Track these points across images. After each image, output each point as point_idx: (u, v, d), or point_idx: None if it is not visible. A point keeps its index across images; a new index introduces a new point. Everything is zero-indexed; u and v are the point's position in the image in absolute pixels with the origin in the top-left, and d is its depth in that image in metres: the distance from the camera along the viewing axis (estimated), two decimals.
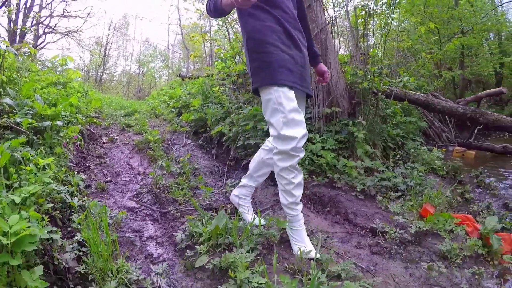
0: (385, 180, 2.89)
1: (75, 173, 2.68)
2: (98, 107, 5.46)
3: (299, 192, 1.88)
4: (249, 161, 2.96)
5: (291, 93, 1.78)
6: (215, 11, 1.82)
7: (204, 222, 2.03)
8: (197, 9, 4.56)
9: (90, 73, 19.53)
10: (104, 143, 4.03)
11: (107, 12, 40.48)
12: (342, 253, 1.98)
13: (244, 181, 2.27)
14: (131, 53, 24.68)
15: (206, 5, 1.87)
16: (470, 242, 2.11)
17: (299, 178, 1.86)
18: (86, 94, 5.96)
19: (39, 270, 1.34)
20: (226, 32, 4.59)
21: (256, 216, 2.08)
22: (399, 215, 2.47)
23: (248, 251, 1.75)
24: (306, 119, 3.14)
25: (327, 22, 3.34)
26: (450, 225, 2.33)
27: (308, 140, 3.02)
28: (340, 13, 5.18)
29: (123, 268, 1.59)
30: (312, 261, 1.74)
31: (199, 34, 4.69)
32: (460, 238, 2.21)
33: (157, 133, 4.08)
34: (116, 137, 4.30)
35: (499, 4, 12.71)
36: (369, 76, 3.27)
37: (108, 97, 8.91)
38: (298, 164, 1.83)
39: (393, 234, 2.21)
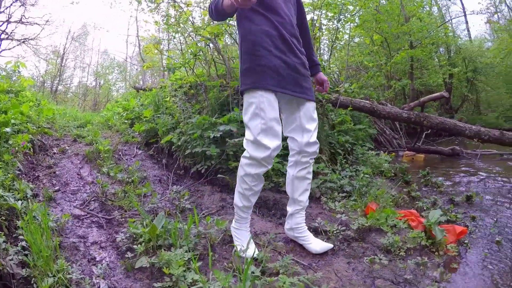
0: (330, 182, 3.02)
1: (23, 181, 2.61)
2: (50, 118, 5.29)
3: (255, 199, 1.94)
4: (197, 169, 3.02)
5: (276, 102, 1.80)
6: (217, 13, 1.84)
7: (145, 224, 2.05)
8: (156, 22, 4.58)
9: (45, 84, 18.73)
10: (54, 153, 3.94)
11: (66, 21, 39.09)
12: (284, 252, 2.02)
13: (290, 209, 2.10)
14: (88, 64, 24.00)
15: (209, 7, 1.90)
16: (412, 234, 2.23)
17: (260, 186, 1.90)
18: (38, 104, 5.75)
19: None
20: (179, 44, 4.65)
21: (319, 242, 2.05)
22: (342, 214, 2.58)
23: (186, 251, 1.77)
24: None
25: None
26: (393, 220, 2.45)
27: None
28: None
29: (62, 268, 1.59)
30: (248, 258, 1.74)
31: (152, 45, 4.70)
32: (403, 231, 2.33)
33: (108, 143, 4.03)
34: (67, 148, 4.21)
35: (447, 20, 13.84)
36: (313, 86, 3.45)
37: (63, 108, 8.62)
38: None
39: (335, 232, 2.29)
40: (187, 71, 4.22)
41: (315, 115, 1.99)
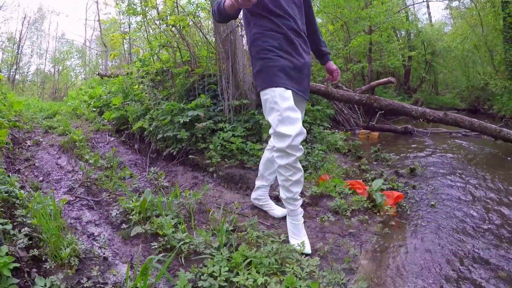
0: None
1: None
2: (19, 111, 5.34)
3: (297, 189, 1.96)
4: (169, 152, 3.35)
5: (288, 93, 1.87)
6: (219, 14, 1.88)
7: (134, 200, 2.36)
8: (117, 4, 4.62)
9: (1, 73, 17.77)
10: (29, 146, 4.05)
11: (21, 5, 36.62)
12: (250, 216, 2.44)
13: (257, 183, 2.45)
14: (46, 50, 22.96)
15: (212, 9, 1.95)
16: (355, 198, 2.69)
17: (297, 176, 1.92)
18: (5, 97, 5.73)
19: (4, 248, 1.49)
20: (145, 32, 4.83)
21: (280, 208, 2.42)
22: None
23: (172, 218, 2.12)
24: (218, 111, 3.66)
25: (237, 24, 3.82)
26: (341, 188, 2.91)
27: (219, 129, 3.46)
28: None
29: (72, 241, 1.81)
30: (224, 219, 2.01)
31: (119, 34, 4.85)
32: (349, 197, 2.79)
33: (80, 132, 4.21)
34: (41, 140, 4.32)
35: (406, 6, 14.52)
36: None
37: (25, 99, 8.47)
38: (300, 161, 1.93)
39: None
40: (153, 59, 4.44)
41: (303, 113, 2.19)
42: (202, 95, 3.49)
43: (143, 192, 2.59)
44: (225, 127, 3.44)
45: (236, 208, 2.53)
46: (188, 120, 3.22)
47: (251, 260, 1.68)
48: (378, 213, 2.66)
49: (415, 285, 1.79)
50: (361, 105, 5.56)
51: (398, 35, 14.65)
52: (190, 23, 4.03)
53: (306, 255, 1.89)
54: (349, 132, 5.38)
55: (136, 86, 4.16)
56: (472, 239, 2.38)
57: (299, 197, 2.01)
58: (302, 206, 2.62)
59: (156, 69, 3.88)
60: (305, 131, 1.85)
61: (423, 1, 15.97)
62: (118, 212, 2.30)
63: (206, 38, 3.94)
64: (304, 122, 4.26)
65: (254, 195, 2.51)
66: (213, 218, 2.21)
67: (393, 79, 5.75)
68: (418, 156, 4.99)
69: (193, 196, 2.38)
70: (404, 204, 2.91)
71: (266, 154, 2.32)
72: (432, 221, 2.64)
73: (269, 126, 1.92)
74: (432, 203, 3.05)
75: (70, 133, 4.20)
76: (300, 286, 1.57)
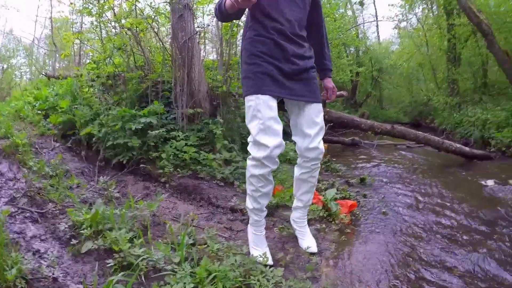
0: (242, 169, 3.41)
1: None
2: None
3: (264, 201, 1.93)
4: (119, 160, 3.15)
5: (273, 102, 1.79)
6: (221, 14, 1.82)
7: (83, 213, 2.13)
8: (71, 3, 4.36)
9: None
10: None
11: None
12: (207, 228, 2.30)
13: (294, 203, 2.23)
14: None
15: (214, 9, 1.89)
16: (311, 207, 2.67)
17: (268, 188, 1.87)
18: None
19: None
20: (99, 33, 4.57)
21: (308, 238, 2.16)
22: None
23: (126, 232, 1.94)
24: (170, 120, 3.53)
25: (196, 31, 3.72)
26: (291, 197, 2.88)
27: (172, 138, 3.33)
28: (212, 22, 5.68)
29: (18, 260, 1.61)
30: (184, 233, 1.92)
31: (72, 34, 4.53)
32: None
33: (24, 136, 3.84)
34: None
35: (357, 24, 15.25)
36: (228, 81, 3.78)
37: None
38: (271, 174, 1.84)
39: None
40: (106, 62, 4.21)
41: (319, 119, 1.93)
42: (156, 102, 3.34)
43: (93, 204, 2.39)
44: (178, 135, 3.32)
45: (193, 220, 2.43)
46: (140, 127, 3.06)
47: (215, 274, 1.61)
48: (333, 222, 2.71)
49: None
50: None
51: (348, 52, 15.32)
52: (148, 27, 3.88)
53: (269, 266, 1.85)
54: None
55: (86, 90, 3.89)
56: (423, 242, 2.52)
57: (265, 209, 1.97)
58: None
59: (108, 72, 3.66)
60: (284, 144, 1.78)
61: (374, 21, 16.94)
62: (66, 226, 2.06)
63: (162, 43, 3.79)
64: None
65: (292, 215, 2.29)
66: (171, 231, 2.08)
67: (345, 93, 5.96)
68: (366, 167, 5.20)
69: (147, 208, 2.22)
70: (358, 212, 3.01)
71: (295, 172, 2.12)
72: (385, 227, 2.76)
73: (247, 134, 1.85)
74: (384, 210, 3.20)
75: (12, 137, 3.82)
76: None
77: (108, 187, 2.67)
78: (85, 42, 5.18)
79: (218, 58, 4.23)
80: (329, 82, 2.12)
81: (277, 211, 2.81)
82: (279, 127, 1.76)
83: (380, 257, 2.20)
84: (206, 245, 1.95)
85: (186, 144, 3.31)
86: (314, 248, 2.10)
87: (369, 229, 2.73)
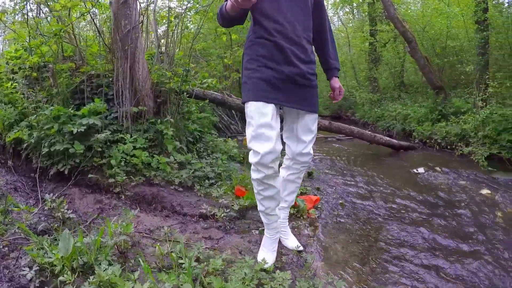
0: (197, 171, 3.18)
1: None
2: None
3: (269, 204, 1.91)
4: (58, 170, 2.64)
5: (267, 108, 1.74)
6: (222, 17, 1.77)
7: (47, 249, 1.63)
8: None
9: None
10: None
11: None
12: (185, 241, 2.06)
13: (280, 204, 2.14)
14: None
15: (216, 16, 1.83)
16: None
17: (269, 192, 1.85)
18: None
19: None
20: (24, 16, 3.76)
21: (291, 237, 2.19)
22: (221, 198, 2.82)
23: (109, 264, 1.58)
24: (111, 119, 3.09)
25: (140, 21, 3.31)
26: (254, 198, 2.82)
27: (118, 141, 2.92)
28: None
29: None
30: (191, 255, 1.76)
31: None
32: None
33: None
34: None
35: None
36: (175, 77, 3.46)
37: None
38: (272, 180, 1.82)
39: (222, 215, 2.51)
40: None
41: (314, 127, 1.95)
42: (97, 100, 2.86)
43: (49, 233, 1.90)
44: (125, 138, 2.92)
45: (166, 235, 2.13)
46: (82, 130, 2.58)
47: None
48: (302, 217, 2.77)
49: (362, 272, 2.14)
50: None
51: None
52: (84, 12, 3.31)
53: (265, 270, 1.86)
54: (235, 139, 5.38)
55: (8, 84, 3.15)
56: (382, 226, 2.89)
57: (273, 213, 1.96)
58: (232, 220, 2.52)
59: (33, 63, 3.02)
60: (278, 149, 1.73)
61: None
62: (33, 273, 1.52)
63: (99, 32, 3.27)
64: (194, 130, 4.00)
65: None
66: (161, 253, 1.79)
67: None
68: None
69: (124, 230, 1.85)
70: (319, 206, 3.14)
71: (282, 174, 2.10)
72: (347, 217, 3.03)
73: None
74: (340, 201, 3.42)
75: None
76: None
77: (58, 206, 2.12)
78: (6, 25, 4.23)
79: (156, 50, 3.84)
80: (336, 82, 2.05)
81: (247, 213, 2.71)
82: (272, 133, 1.72)
83: (353, 244, 2.49)
84: (205, 263, 1.71)
85: (134, 148, 2.93)
86: (300, 246, 2.17)
87: (334, 220, 2.94)
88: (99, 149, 2.69)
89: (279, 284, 1.64)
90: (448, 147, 5.95)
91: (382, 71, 11.14)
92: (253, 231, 2.40)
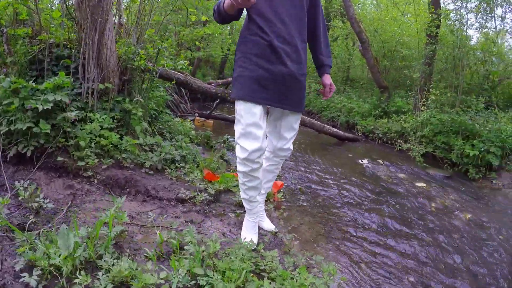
0: (170, 154, 3.13)
1: None
2: None
3: (252, 194, 2.04)
4: (18, 151, 2.38)
5: (257, 108, 1.81)
6: (219, 15, 1.78)
7: (42, 248, 1.46)
8: None
9: None
10: None
11: None
12: (169, 227, 2.07)
13: None
14: None
15: (213, 12, 1.84)
16: None
17: (254, 183, 1.98)
18: None
19: None
20: None
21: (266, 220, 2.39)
22: (195, 182, 2.88)
23: (116, 258, 1.53)
24: (75, 95, 2.88)
25: None
26: (235, 182, 2.98)
27: (83, 119, 2.75)
28: None
29: None
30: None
31: None
32: None
33: None
34: None
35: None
36: (143, 54, 3.30)
37: None
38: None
39: (199, 198, 2.58)
40: None
41: (296, 125, 2.05)
42: (61, 73, 2.60)
43: (29, 229, 1.68)
44: (94, 117, 2.77)
45: (151, 222, 2.12)
46: (49, 108, 2.37)
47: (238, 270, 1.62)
48: (270, 201, 3.00)
49: (329, 249, 2.48)
50: (216, 97, 5.60)
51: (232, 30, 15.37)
52: None
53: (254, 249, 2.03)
54: (189, 119, 5.33)
55: None
56: (339, 209, 3.29)
57: (255, 200, 2.09)
58: (208, 204, 2.60)
59: None
60: (264, 147, 1.87)
61: None
62: (35, 278, 1.33)
63: None
64: (151, 109, 3.87)
65: None
66: (161, 240, 1.82)
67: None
68: None
69: (119, 219, 1.78)
70: (282, 191, 3.38)
71: (263, 164, 2.16)
72: (307, 201, 3.38)
73: (235, 135, 1.90)
74: (299, 187, 3.71)
75: None
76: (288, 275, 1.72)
77: (31, 194, 1.87)
78: None
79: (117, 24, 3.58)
80: (327, 79, 2.10)
81: (221, 196, 2.83)
82: (260, 132, 1.82)
83: (317, 225, 2.80)
84: (203, 247, 1.75)
85: (101, 127, 2.79)
86: (275, 228, 2.39)
87: (297, 204, 3.23)
88: (69, 129, 2.51)
89: (270, 261, 1.82)
90: (389, 142, 6.55)
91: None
92: (229, 214, 2.52)
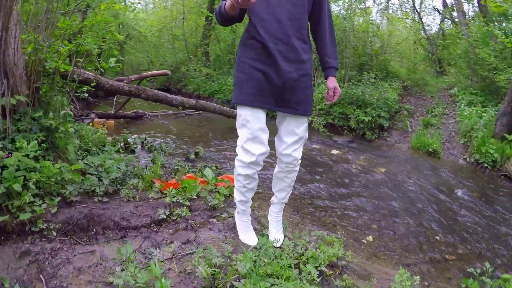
0: (114, 172, 2.47)
1: None
2: None
3: (250, 195, 1.99)
4: None
5: (261, 113, 1.74)
6: (221, 16, 1.69)
7: None
8: None
9: None
10: None
11: None
12: (173, 254, 1.67)
13: (272, 197, 2.15)
14: None
15: (215, 15, 1.75)
16: (223, 191, 2.62)
17: (253, 184, 1.93)
18: None
19: None
20: None
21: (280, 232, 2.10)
22: (160, 197, 2.43)
23: None
24: None
25: None
26: (197, 186, 2.60)
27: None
28: None
29: None
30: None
31: None
32: (211, 192, 2.63)
33: None
34: None
35: None
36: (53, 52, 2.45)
37: None
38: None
39: (182, 214, 2.25)
40: None
41: (299, 130, 1.83)
42: None
43: None
44: (21, 145, 1.95)
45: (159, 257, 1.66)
46: None
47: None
48: (231, 197, 2.73)
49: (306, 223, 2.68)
50: (130, 96, 4.72)
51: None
52: None
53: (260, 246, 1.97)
54: (90, 123, 4.48)
55: None
56: (301, 186, 3.42)
57: (250, 201, 2.06)
58: (187, 218, 2.25)
59: None
60: (268, 150, 1.80)
61: None
62: None
63: None
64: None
65: (269, 208, 2.21)
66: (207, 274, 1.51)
67: (169, 72, 5.35)
68: (168, 137, 4.95)
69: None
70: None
71: (275, 169, 2.04)
72: (261, 186, 3.22)
73: (239, 139, 1.78)
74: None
75: None
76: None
77: None
78: None
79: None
80: (331, 82, 1.87)
81: (193, 204, 2.43)
82: (265, 136, 1.77)
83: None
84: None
85: (27, 156, 1.99)
86: (278, 244, 2.01)
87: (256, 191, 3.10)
88: None
89: (292, 249, 1.91)
90: None
91: (215, 46, 11.23)
92: (211, 220, 2.25)
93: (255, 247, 1.91)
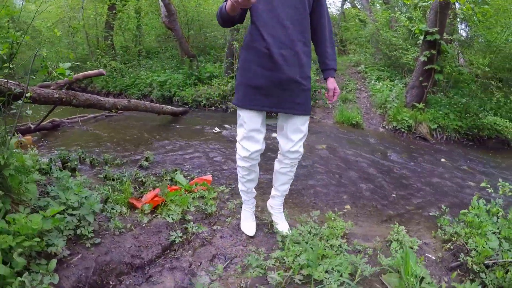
0: (94, 205, 2.00)
1: None
2: None
3: (250, 186, 2.05)
4: None
5: (257, 116, 1.78)
6: (222, 17, 1.63)
7: None
8: None
9: None
10: None
11: None
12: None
13: (272, 192, 2.21)
14: None
15: (216, 16, 1.71)
16: (207, 195, 2.52)
17: (252, 176, 1.99)
18: None
19: None
20: None
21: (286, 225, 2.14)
22: (155, 218, 2.13)
23: None
24: None
25: None
26: (183, 196, 2.40)
27: None
28: None
29: None
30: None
31: None
32: (199, 199, 2.50)
33: None
34: None
35: None
36: None
37: None
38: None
39: (191, 230, 2.05)
40: None
41: (304, 127, 1.87)
42: None
43: None
44: None
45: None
46: None
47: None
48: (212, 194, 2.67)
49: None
50: (60, 104, 3.79)
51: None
52: None
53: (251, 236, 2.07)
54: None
55: None
56: (267, 175, 3.29)
57: (252, 191, 2.10)
58: (192, 233, 2.08)
59: None
60: (263, 147, 1.87)
61: None
62: None
63: None
64: None
65: (269, 202, 2.28)
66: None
67: (104, 71, 4.43)
68: (103, 146, 4.32)
69: None
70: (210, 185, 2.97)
71: (275, 166, 2.10)
72: (224, 179, 3.19)
73: (238, 135, 1.87)
74: (209, 172, 3.33)
75: None
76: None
77: None
78: None
79: None
80: (331, 83, 1.90)
81: (185, 216, 2.22)
82: (260, 136, 1.83)
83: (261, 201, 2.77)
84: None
85: None
86: (289, 229, 2.14)
87: (224, 185, 2.98)
88: None
89: (308, 231, 2.07)
90: (213, 107, 6.56)
91: (120, 37, 9.85)
92: (215, 228, 2.15)
93: (281, 240, 1.98)
